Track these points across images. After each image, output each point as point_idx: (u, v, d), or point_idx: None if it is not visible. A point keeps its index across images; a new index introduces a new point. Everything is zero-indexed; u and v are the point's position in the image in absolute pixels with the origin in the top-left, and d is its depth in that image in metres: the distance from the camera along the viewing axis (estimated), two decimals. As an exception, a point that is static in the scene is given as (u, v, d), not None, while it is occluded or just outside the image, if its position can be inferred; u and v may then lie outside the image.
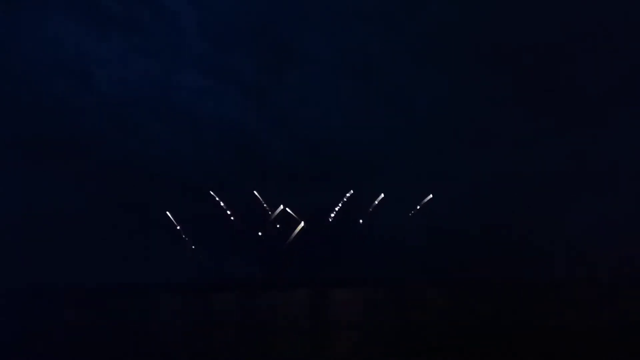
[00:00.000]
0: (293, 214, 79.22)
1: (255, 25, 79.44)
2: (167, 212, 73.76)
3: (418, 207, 77.55)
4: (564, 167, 73.21)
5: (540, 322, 23.62)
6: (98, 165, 68.58)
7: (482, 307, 33.38)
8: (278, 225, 78.63)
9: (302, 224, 78.96)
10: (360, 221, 79.45)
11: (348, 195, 78.13)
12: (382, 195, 77.97)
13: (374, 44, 77.85)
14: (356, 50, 78.53)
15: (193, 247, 73.90)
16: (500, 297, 43.77)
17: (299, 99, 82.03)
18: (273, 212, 79.14)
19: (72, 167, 67.10)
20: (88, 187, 67.76)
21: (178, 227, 74.73)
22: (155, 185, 73.14)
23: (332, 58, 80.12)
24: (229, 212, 75.49)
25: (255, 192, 77.66)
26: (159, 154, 72.75)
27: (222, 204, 74.91)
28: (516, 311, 29.65)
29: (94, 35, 72.73)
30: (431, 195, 76.95)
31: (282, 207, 78.16)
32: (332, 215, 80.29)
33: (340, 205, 78.52)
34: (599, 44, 72.26)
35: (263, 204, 78.45)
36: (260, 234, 77.39)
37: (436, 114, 77.49)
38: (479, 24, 73.57)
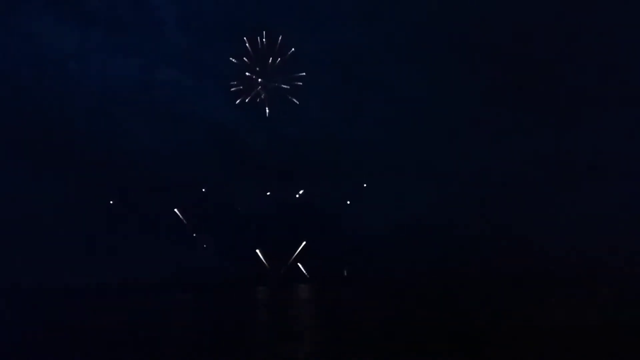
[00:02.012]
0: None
1: (237, 22, 79.33)
2: (146, 209, 74.73)
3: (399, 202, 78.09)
4: (543, 164, 74.04)
5: (524, 317, 23.90)
6: (76, 161, 68.94)
7: (468, 304, 33.66)
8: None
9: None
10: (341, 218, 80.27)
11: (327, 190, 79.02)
12: (363, 187, 79.10)
13: (355, 40, 77.62)
14: (338, 46, 78.35)
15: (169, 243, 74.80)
16: (482, 292, 44.19)
17: (281, 96, 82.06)
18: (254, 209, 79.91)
19: (49, 164, 67.50)
20: (66, 184, 68.18)
21: (156, 223, 75.88)
22: (134, 181, 73.63)
23: (315, 54, 79.96)
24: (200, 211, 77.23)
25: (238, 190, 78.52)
26: (139, 149, 72.91)
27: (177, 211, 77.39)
28: (500, 307, 29.87)
29: (73, 32, 72.67)
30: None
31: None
32: (312, 211, 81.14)
33: (318, 202, 79.58)
34: (579, 43, 72.83)
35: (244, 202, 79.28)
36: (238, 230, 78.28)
37: (418, 110, 77.92)
38: (462, 21, 73.77)
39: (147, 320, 29.88)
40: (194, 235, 78.17)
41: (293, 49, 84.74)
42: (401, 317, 27.36)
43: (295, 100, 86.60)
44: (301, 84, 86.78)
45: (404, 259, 71.77)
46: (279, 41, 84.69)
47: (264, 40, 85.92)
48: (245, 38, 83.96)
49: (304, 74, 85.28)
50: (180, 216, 78.37)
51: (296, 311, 33.74)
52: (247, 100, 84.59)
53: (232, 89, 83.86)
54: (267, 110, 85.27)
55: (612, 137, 71.03)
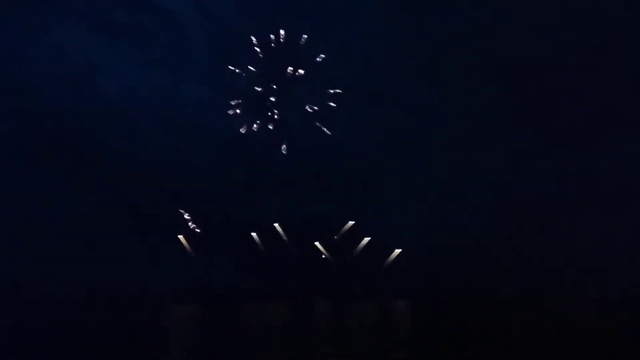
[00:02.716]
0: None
1: (261, 37, 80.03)
2: (168, 220, 74.77)
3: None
4: (559, 186, 74.23)
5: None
6: (103, 173, 69.59)
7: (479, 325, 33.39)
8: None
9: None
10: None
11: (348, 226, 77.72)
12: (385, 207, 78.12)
13: (378, 59, 78.70)
14: (360, 64, 79.29)
15: (192, 255, 74.43)
16: (495, 313, 44.03)
17: (303, 111, 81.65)
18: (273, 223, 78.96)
19: (77, 175, 68.21)
20: (91, 194, 68.66)
21: (179, 236, 75.94)
22: (158, 192, 74.00)
23: (337, 71, 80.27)
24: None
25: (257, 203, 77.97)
26: (163, 162, 73.71)
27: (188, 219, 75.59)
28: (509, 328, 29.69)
29: (101, 45, 73.90)
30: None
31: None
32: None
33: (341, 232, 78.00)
34: (595, 63, 73.54)
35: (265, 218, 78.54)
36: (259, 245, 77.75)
37: (436, 129, 78.49)
38: (480, 42, 74.69)
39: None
40: (205, 246, 76.53)
41: (323, 56, 76.22)
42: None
43: (325, 129, 76.28)
44: (334, 105, 76.04)
45: (428, 277, 71.62)
46: (301, 42, 76.31)
47: (281, 44, 76.57)
48: (253, 38, 75.84)
49: (339, 90, 75.95)
50: (194, 227, 77.19)
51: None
52: (254, 128, 78.00)
53: (231, 111, 76.69)
54: (285, 148, 79.34)
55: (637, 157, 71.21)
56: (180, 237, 76.08)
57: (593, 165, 72.29)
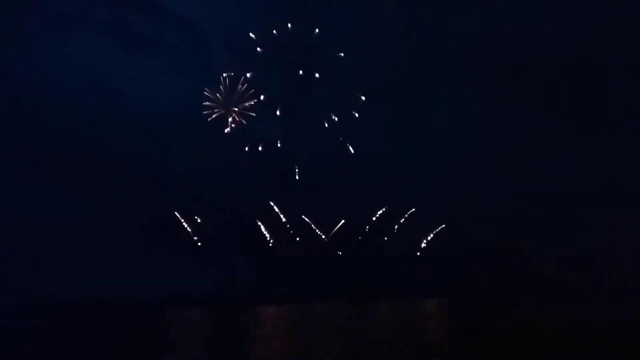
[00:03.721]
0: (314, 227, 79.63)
1: (280, 43, 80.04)
2: (187, 225, 75.62)
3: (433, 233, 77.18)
4: (585, 184, 72.96)
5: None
6: (126, 179, 70.56)
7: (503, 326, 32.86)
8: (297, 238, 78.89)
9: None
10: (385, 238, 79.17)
11: (381, 211, 77.96)
12: (412, 209, 77.91)
13: (397, 59, 78.21)
14: (381, 67, 78.99)
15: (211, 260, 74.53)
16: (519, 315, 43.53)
17: (323, 113, 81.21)
18: (292, 224, 79.05)
19: (100, 182, 69.27)
20: (115, 201, 69.58)
21: (197, 240, 76.65)
22: (179, 196, 74.81)
23: (357, 74, 79.83)
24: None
25: (274, 204, 78.18)
26: (184, 167, 74.60)
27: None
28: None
29: (122, 54, 75.01)
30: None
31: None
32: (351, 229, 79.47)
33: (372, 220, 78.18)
34: (625, 56, 72.12)
35: (282, 217, 78.77)
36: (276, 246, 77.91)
37: (459, 128, 78.05)
38: (504, 36, 73.38)
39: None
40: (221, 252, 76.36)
41: (342, 54, 74.52)
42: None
43: (350, 147, 75.36)
44: (357, 115, 74.95)
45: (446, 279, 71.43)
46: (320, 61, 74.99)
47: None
48: (253, 35, 74.52)
49: (363, 97, 74.86)
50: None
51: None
52: (246, 149, 77.09)
53: (228, 129, 76.24)
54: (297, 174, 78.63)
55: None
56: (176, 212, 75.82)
57: (613, 162, 71.36)
